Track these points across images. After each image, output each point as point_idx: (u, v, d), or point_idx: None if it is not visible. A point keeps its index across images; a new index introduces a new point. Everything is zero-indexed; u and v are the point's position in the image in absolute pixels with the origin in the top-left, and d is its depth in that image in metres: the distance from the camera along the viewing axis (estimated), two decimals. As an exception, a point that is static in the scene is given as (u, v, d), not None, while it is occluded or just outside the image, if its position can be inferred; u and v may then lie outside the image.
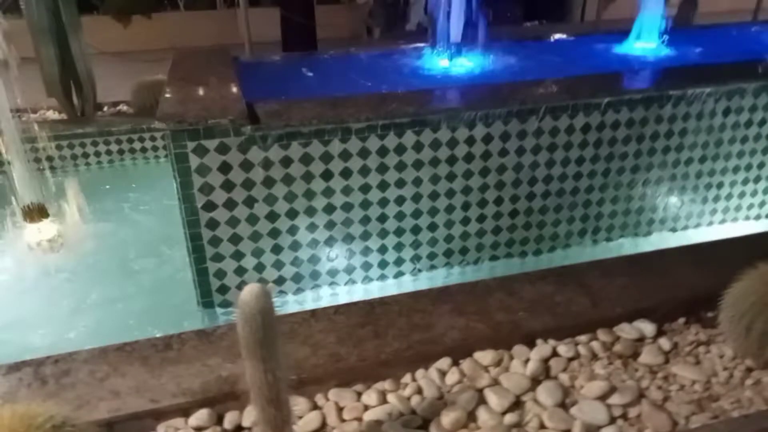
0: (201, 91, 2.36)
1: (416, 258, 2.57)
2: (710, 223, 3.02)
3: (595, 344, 1.75)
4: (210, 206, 2.18)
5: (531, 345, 1.75)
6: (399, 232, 2.48)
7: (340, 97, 2.36)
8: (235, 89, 2.41)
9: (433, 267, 2.62)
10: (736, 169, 2.91)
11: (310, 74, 3.12)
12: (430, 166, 2.39)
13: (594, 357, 1.72)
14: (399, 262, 2.55)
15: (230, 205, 2.20)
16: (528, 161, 2.52)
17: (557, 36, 3.81)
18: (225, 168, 2.13)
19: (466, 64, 3.04)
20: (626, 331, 1.80)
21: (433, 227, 2.52)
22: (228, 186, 2.17)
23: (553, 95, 2.45)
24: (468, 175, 2.46)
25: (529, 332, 1.77)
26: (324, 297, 2.49)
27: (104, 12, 10.41)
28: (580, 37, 3.88)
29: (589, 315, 1.85)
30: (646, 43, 3.45)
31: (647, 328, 1.81)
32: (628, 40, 3.52)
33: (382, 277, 2.56)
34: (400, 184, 2.38)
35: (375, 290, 2.56)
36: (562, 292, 1.95)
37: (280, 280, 2.41)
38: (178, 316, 2.30)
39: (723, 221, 3.03)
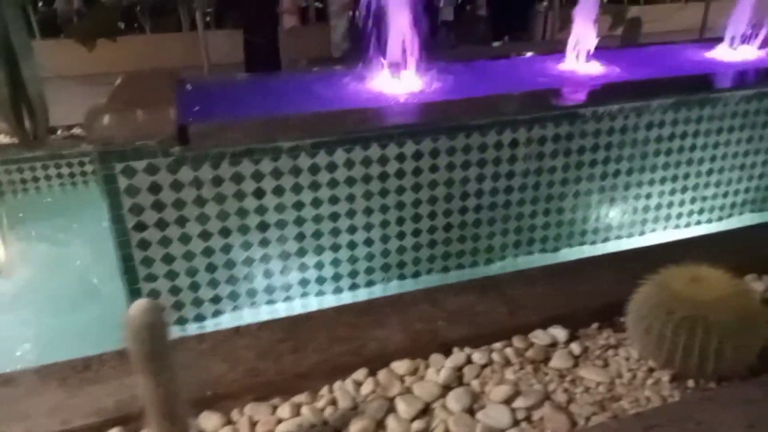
0: (134, 114, 2.40)
1: (353, 273, 2.62)
2: (642, 233, 3.14)
3: (509, 351, 1.82)
4: (141, 227, 2.20)
5: (448, 353, 1.81)
6: (335, 247, 2.53)
7: (271, 117, 2.42)
8: (170, 111, 2.44)
9: (371, 282, 2.67)
10: (662, 181, 3.04)
11: (255, 95, 3.18)
12: (362, 182, 2.46)
13: (507, 363, 1.78)
14: (337, 277, 2.60)
15: (162, 225, 2.23)
16: (459, 176, 2.61)
17: (500, 55, 3.95)
18: (155, 188, 2.16)
19: (403, 84, 3.13)
20: (540, 337, 1.88)
21: (368, 242, 2.58)
22: (159, 206, 2.20)
23: (480, 112, 2.56)
24: (401, 191, 2.54)
25: (447, 341, 1.83)
26: (262, 314, 2.52)
27: (68, 35, 10.37)
28: (521, 57, 4.03)
29: (507, 323, 1.92)
30: (580, 60, 3.60)
31: (560, 333, 1.89)
32: (566, 58, 3.68)
33: (320, 293, 2.60)
34: (333, 200, 2.44)
35: (314, 305, 2.59)
36: (483, 302, 2.02)
37: (216, 299, 2.43)
38: (113, 337, 2.31)
39: (654, 230, 3.16)
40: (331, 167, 2.38)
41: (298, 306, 2.58)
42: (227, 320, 2.50)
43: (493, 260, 2.87)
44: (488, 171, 2.65)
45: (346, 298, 2.62)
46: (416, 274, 2.75)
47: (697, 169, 3.11)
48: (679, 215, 3.19)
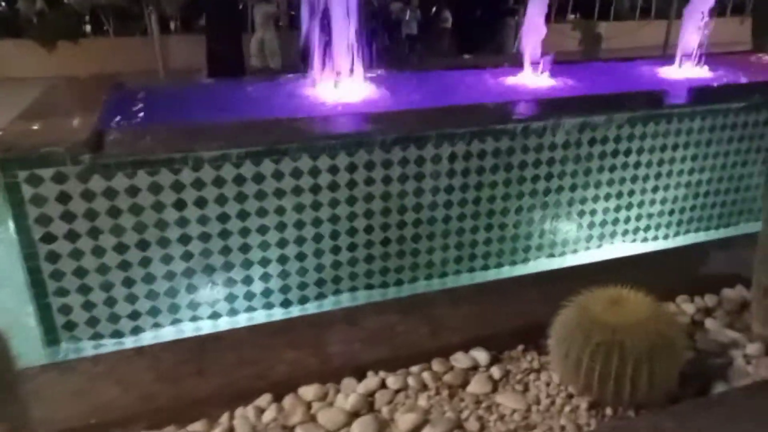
0: (49, 121, 2.27)
1: (285, 288, 2.52)
2: (587, 248, 3.11)
3: (426, 375, 1.73)
4: (49, 238, 2.07)
5: (362, 377, 1.72)
6: (264, 262, 2.43)
7: (194, 125, 2.32)
8: (89, 118, 2.33)
9: (304, 298, 2.57)
10: (607, 197, 3.02)
11: (194, 102, 3.07)
12: (292, 194, 2.37)
13: (423, 388, 1.70)
14: (267, 293, 2.49)
15: (72, 236, 2.10)
16: (396, 190, 2.54)
17: (456, 68, 3.92)
18: (64, 198, 2.04)
19: (346, 94, 3.06)
20: (460, 360, 1.80)
21: (301, 257, 2.49)
22: (69, 217, 2.07)
23: (417, 125, 2.49)
24: (334, 204, 2.45)
25: (362, 364, 1.74)
26: (186, 331, 2.40)
27: (29, 37, 10.09)
28: (476, 70, 4.00)
29: (427, 345, 1.84)
30: (530, 74, 3.58)
31: (482, 356, 1.81)
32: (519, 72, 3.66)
33: (250, 309, 2.49)
34: (261, 213, 2.34)
35: (243, 322, 2.48)
36: (406, 322, 1.93)
37: (134, 315, 2.30)
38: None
39: (600, 246, 3.13)
40: (258, 178, 2.29)
41: (225, 323, 2.47)
42: (148, 338, 2.37)
43: (433, 276, 2.80)
44: (426, 185, 2.59)
45: (276, 314, 2.52)
46: (353, 289, 2.66)
47: (642, 186, 3.09)
48: (625, 232, 3.17)
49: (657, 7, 14.93)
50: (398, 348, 1.81)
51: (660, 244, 3.25)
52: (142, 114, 2.83)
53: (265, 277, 2.46)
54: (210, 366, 1.69)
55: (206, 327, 2.37)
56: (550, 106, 2.87)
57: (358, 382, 1.69)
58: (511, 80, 3.57)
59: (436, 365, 1.78)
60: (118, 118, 2.56)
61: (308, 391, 1.64)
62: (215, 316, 2.42)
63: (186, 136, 2.20)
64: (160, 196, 2.15)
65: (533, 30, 3.47)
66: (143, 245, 2.20)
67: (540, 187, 2.83)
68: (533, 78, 3.57)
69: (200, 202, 2.22)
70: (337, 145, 2.36)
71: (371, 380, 1.69)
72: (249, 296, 2.47)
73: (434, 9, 10.87)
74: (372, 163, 2.44)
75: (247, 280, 2.43)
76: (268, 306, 2.54)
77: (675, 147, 3.07)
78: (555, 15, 14.67)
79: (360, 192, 2.47)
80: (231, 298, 2.44)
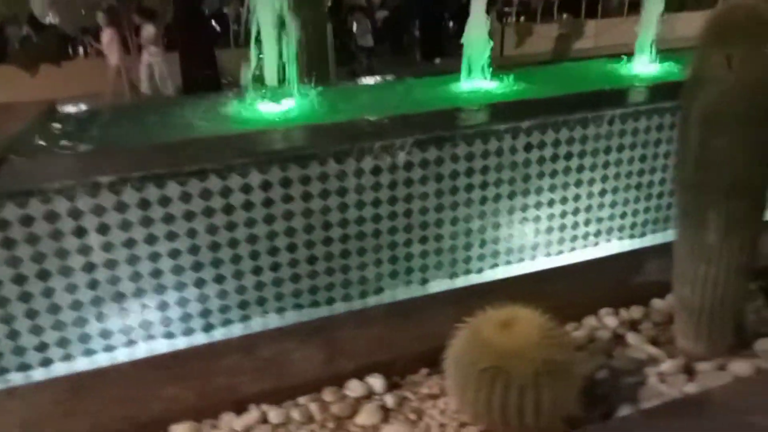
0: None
1: (206, 312, 2.43)
2: (533, 257, 2.99)
3: (314, 406, 1.64)
4: (-61, 272, 2.00)
5: (242, 411, 1.62)
6: (179, 286, 2.34)
7: (93, 151, 2.25)
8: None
9: (228, 321, 2.48)
10: (551, 203, 2.90)
11: (122, 125, 3.00)
12: (203, 216, 2.28)
13: (309, 420, 1.60)
14: (186, 318, 2.41)
15: (-36, 269, 2.03)
16: (318, 206, 2.45)
17: (401, 76, 3.83)
18: (-49, 230, 1.97)
19: (275, 109, 2.98)
20: (354, 388, 1.70)
21: (219, 279, 2.40)
22: (-41, 249, 2.00)
23: (336, 139, 2.40)
24: (251, 223, 2.36)
25: (245, 397, 1.64)
26: (101, 362, 2.31)
27: (10, 61, 10.12)
28: (424, 77, 3.91)
29: (321, 372, 1.74)
30: (473, 81, 3.48)
31: (377, 383, 1.71)
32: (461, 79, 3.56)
33: (169, 335, 2.40)
34: (171, 236, 2.26)
35: (164, 348, 2.39)
36: (304, 348, 1.84)
37: (42, 346, 2.22)
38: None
39: (548, 254, 3.01)
40: (164, 201, 2.21)
41: (143, 350, 2.38)
42: (62, 369, 2.29)
43: (368, 293, 2.70)
44: (350, 199, 2.50)
45: (179, 344, 2.41)
46: (280, 310, 2.56)
47: (589, 190, 2.98)
48: (574, 238, 3.05)
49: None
50: (290, 377, 1.71)
51: (616, 246, 3.12)
52: (67, 138, 2.76)
53: (176, 303, 2.37)
54: (82, 406, 1.60)
55: (87, 363, 2.26)
56: (479, 113, 2.77)
57: (237, 416, 1.60)
58: (456, 86, 3.47)
59: (328, 395, 1.68)
60: (34, 144, 2.49)
61: (180, 430, 1.54)
62: (108, 348, 2.32)
63: (83, 162, 2.13)
64: (58, 224, 2.08)
65: (478, 29, 3.36)
66: (44, 275, 2.12)
67: (475, 196, 2.72)
68: (480, 83, 3.47)
69: (102, 229, 2.14)
70: (250, 163, 2.27)
71: (251, 414, 1.60)
72: (165, 322, 2.38)
73: (397, 17, 10.81)
74: (288, 180, 2.36)
75: (162, 306, 2.34)
76: (169, 335, 2.45)
77: (620, 149, 2.95)
78: (542, 14, 14.70)
79: (278, 210, 2.38)
80: (163, 321, 2.36)
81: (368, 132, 2.57)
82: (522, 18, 14.12)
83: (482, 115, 2.72)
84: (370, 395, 1.68)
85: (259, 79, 3.35)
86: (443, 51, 10.65)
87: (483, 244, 2.84)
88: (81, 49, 11.21)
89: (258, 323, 2.47)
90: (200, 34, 7.21)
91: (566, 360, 1.48)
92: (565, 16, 14.02)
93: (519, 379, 1.42)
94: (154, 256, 2.26)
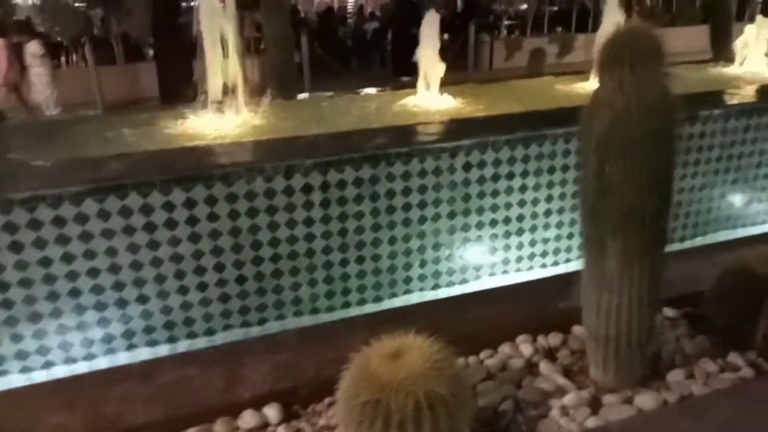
0: None
1: (129, 334, 2.38)
2: (477, 277, 2.95)
3: (201, 437, 1.59)
4: None
5: (127, 443, 1.57)
6: (100, 306, 2.29)
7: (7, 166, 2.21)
8: None
9: (153, 342, 2.42)
10: (493, 223, 2.87)
11: (56, 139, 2.95)
12: (124, 234, 2.24)
13: (194, 453, 1.55)
14: (108, 339, 2.35)
15: None
16: (245, 224, 2.40)
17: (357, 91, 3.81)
18: None
19: (216, 126, 2.95)
20: (247, 419, 1.65)
21: (143, 299, 2.35)
22: None
23: (260, 158, 2.37)
24: (175, 242, 2.32)
25: (133, 427, 1.59)
26: (58, 374, 2.22)
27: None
28: (377, 92, 3.88)
29: (217, 401, 1.69)
30: (429, 97, 3.46)
31: (273, 413, 1.66)
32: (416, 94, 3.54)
33: (90, 357, 2.34)
34: (89, 255, 2.21)
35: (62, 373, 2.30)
36: (206, 374, 1.79)
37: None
38: None
39: (492, 274, 2.97)
40: (82, 219, 2.17)
41: (83, 367, 2.30)
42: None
43: (303, 312, 2.65)
44: (281, 218, 2.46)
45: (122, 359, 2.37)
46: (209, 332, 2.51)
47: (533, 210, 2.94)
48: (519, 259, 3.01)
49: (638, 16, 14.89)
50: (185, 406, 1.66)
51: (563, 268, 3.08)
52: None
53: (103, 323, 2.31)
54: (-40, 434, 1.55)
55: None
56: (416, 132, 2.74)
57: (120, 448, 1.55)
58: (404, 103, 3.45)
59: (219, 425, 1.63)
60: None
61: (57, 462, 1.49)
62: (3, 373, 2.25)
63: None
64: (-34, 242, 2.03)
65: (429, 47, 3.34)
66: (-47, 294, 2.08)
67: (414, 215, 2.69)
68: (431, 101, 3.45)
69: (15, 247, 2.10)
70: (171, 180, 2.23)
71: (134, 446, 1.55)
72: (86, 343, 2.32)
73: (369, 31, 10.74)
74: (214, 198, 2.32)
75: (81, 327, 2.29)
76: (131, 347, 2.40)
77: (565, 168, 2.92)
78: (531, 29, 14.77)
79: (204, 228, 2.34)
80: (84, 343, 2.30)
81: (300, 149, 2.53)
82: (517, 32, 14.21)
83: (417, 134, 2.69)
84: (264, 426, 1.63)
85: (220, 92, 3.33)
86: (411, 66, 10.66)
87: (429, 263, 2.80)
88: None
89: (176, 346, 2.41)
90: (176, 45, 7.19)
91: (453, 392, 1.44)
92: (559, 29, 14.11)
93: (399, 413, 1.37)
94: (115, 268, 2.22)
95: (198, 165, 2.36)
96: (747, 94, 3.50)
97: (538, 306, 2.12)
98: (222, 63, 2.99)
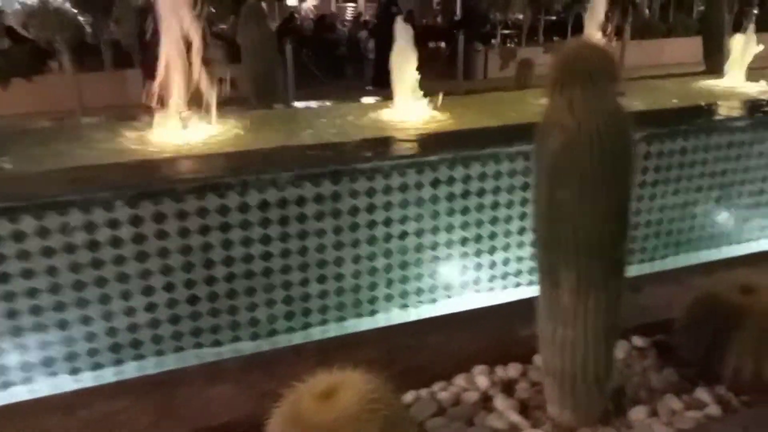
0: None
1: (71, 356, 2.26)
2: (448, 297, 2.83)
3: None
4: None
5: (37, 485, 1.45)
6: (39, 327, 2.17)
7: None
8: None
9: (97, 365, 2.30)
10: (464, 242, 2.75)
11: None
12: (65, 252, 2.12)
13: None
14: (48, 362, 2.23)
15: None
16: (197, 243, 2.29)
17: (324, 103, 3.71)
18: None
19: (176, 137, 2.84)
20: (172, 458, 1.53)
21: (86, 321, 2.23)
22: None
23: (213, 173, 2.26)
24: (119, 261, 2.20)
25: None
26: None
27: (-12, 75, 10.00)
28: (352, 104, 3.77)
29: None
30: (404, 109, 3.35)
31: (201, 452, 1.54)
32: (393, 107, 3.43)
33: (27, 381, 2.22)
34: (27, 274, 2.10)
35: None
36: (135, 407, 1.67)
37: None
38: None
39: (462, 295, 2.85)
40: (19, 237, 2.05)
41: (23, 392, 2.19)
42: None
43: (260, 335, 2.53)
44: (235, 235, 2.34)
45: (65, 384, 2.25)
46: (159, 353, 2.39)
47: (506, 228, 2.83)
48: (492, 278, 2.89)
49: (633, 27, 14.85)
50: (106, 443, 1.54)
51: (510, 295, 2.94)
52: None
53: (43, 346, 2.19)
54: None
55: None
56: (380, 146, 2.64)
57: (29, 491, 1.43)
58: (377, 114, 3.34)
59: (141, 466, 1.51)
60: None
61: (-45, 507, 1.37)
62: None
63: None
64: None
65: (401, 57, 3.24)
66: None
67: (379, 233, 2.57)
68: (404, 112, 3.34)
69: (-55, 266, 1.98)
70: (114, 197, 2.12)
71: (45, 489, 1.42)
72: (25, 368, 2.20)
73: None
74: (162, 214, 2.20)
75: (22, 349, 2.17)
76: (75, 371, 2.28)
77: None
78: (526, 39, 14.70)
79: (152, 247, 2.22)
80: (24, 367, 2.18)
81: (258, 163, 2.42)
82: (516, 40, 14.12)
83: (387, 148, 2.58)
84: (190, 467, 1.51)
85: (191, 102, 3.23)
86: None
87: (396, 282, 2.69)
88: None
89: (102, 375, 2.28)
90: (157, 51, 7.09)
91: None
92: (555, 39, 14.04)
93: (325, 461, 1.26)
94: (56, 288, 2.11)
95: (146, 180, 2.25)
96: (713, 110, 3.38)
97: (498, 333, 2.00)
98: (186, 69, 2.89)
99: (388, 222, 2.57)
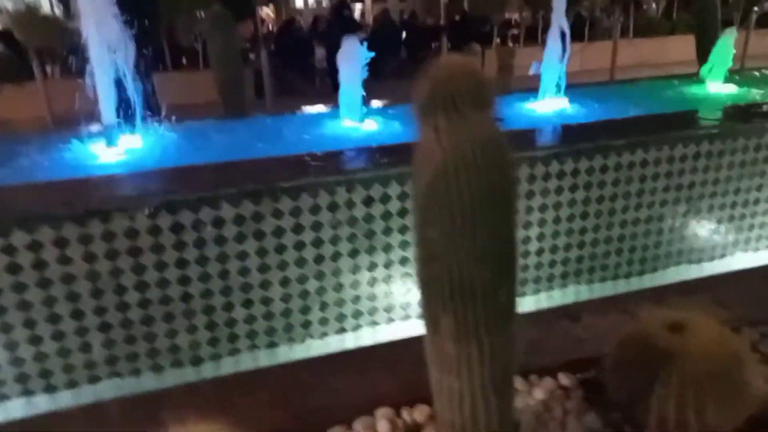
0: None
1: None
2: (389, 321, 2.67)
3: None
4: None
5: None
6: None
7: None
8: None
9: (3, 397, 2.19)
10: (372, 267, 2.56)
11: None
12: (-44, 281, 2.01)
13: None
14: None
15: None
16: (106, 267, 2.16)
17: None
18: None
19: (97, 153, 2.71)
20: None
21: (11, 347, 2.11)
22: None
23: (120, 194, 2.13)
24: (21, 289, 2.08)
25: None
26: None
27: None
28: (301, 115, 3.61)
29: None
30: (351, 121, 3.20)
31: None
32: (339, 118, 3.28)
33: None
34: None
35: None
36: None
37: None
38: None
39: (391, 321, 2.67)
40: None
41: None
42: None
43: (183, 362, 2.40)
44: (147, 260, 2.21)
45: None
46: (71, 384, 2.27)
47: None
48: (405, 305, 2.70)
49: (636, 25, 14.54)
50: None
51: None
52: None
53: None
54: None
55: None
56: (303, 164, 2.49)
57: None
58: (322, 128, 3.20)
59: None
60: None
61: None
62: None
63: None
64: None
65: (347, 77, 3.07)
66: None
67: (309, 255, 2.43)
68: (352, 125, 3.18)
69: None
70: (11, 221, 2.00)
71: None
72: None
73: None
74: (65, 239, 2.08)
75: None
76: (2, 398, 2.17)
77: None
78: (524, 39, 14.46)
79: (55, 272, 2.10)
80: None
81: (172, 183, 2.29)
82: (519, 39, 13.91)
83: (304, 167, 2.44)
84: None
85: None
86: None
87: (332, 305, 2.54)
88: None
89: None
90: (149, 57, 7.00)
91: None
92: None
93: None
94: None
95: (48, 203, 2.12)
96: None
97: (412, 370, 1.84)
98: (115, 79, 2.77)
99: (318, 243, 2.42)
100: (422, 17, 15.50)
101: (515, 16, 15.12)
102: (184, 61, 11.24)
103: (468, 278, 1.21)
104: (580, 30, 14.38)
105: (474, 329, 1.26)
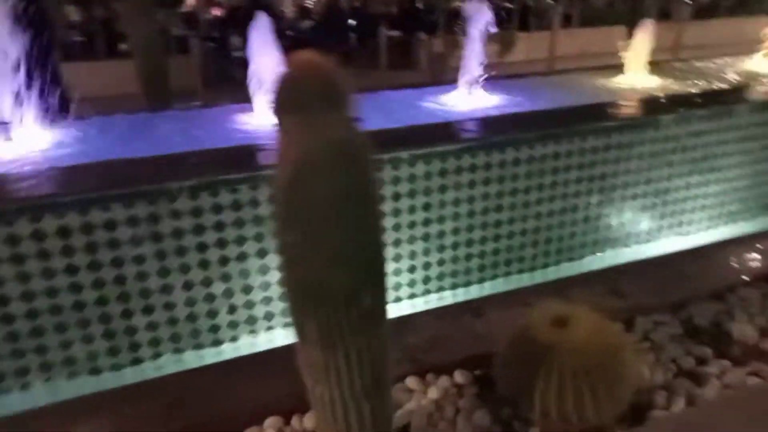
0: None
1: None
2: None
3: None
4: None
5: None
6: None
7: None
8: None
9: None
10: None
11: None
12: None
13: None
14: None
15: None
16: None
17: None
18: None
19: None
20: None
21: None
22: None
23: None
24: None
25: None
26: None
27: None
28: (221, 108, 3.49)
29: None
30: (262, 115, 3.11)
31: None
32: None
33: None
34: None
35: None
36: None
37: None
38: None
39: (252, 332, 2.62)
40: None
41: None
42: None
43: (80, 373, 2.28)
44: (32, 267, 2.07)
45: None
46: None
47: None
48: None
49: (582, 15, 14.76)
50: None
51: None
52: None
53: None
54: None
55: None
56: (200, 160, 2.40)
57: None
58: (241, 121, 3.09)
59: None
60: None
61: None
62: None
63: None
64: None
65: (261, 59, 2.97)
66: None
67: (212, 256, 2.34)
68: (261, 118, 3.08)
69: None
70: None
71: None
72: None
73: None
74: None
75: None
76: None
77: (412, 194, 2.60)
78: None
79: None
80: None
81: (62, 183, 2.16)
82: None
83: (201, 163, 2.35)
84: None
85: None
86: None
87: (240, 309, 2.46)
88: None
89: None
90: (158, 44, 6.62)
91: None
92: (511, 27, 13.85)
93: None
94: None
95: None
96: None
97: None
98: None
99: (222, 243, 2.34)
100: (372, 5, 15.38)
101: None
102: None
103: (327, 283, 1.17)
104: (525, 20, 14.58)
105: (339, 335, 1.22)
